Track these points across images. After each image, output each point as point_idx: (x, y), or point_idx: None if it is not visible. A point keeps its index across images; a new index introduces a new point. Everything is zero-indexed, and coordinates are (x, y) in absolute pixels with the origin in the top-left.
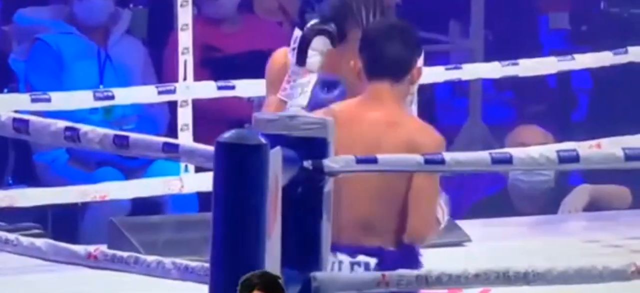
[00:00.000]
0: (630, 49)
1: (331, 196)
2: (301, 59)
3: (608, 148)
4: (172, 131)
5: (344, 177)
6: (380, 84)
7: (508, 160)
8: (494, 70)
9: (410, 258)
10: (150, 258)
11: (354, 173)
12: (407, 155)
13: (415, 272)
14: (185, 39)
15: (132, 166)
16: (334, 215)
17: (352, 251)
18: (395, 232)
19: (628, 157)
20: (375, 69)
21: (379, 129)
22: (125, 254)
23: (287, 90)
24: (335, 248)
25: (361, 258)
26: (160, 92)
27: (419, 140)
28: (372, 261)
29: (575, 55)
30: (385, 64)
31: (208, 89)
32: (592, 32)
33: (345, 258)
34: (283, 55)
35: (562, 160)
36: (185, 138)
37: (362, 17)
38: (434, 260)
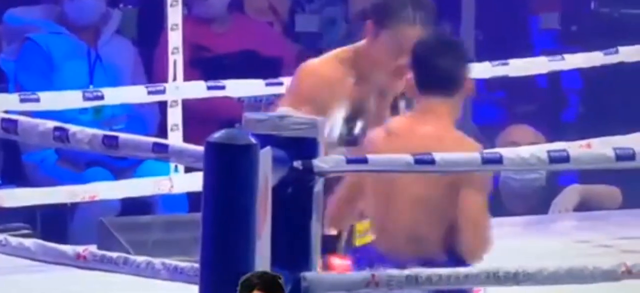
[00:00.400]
0: (621, 49)
1: (321, 196)
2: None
3: (598, 149)
4: (162, 131)
5: (387, 189)
6: (433, 98)
7: (498, 160)
8: (484, 70)
9: (459, 266)
10: (140, 258)
11: (387, 183)
12: (397, 155)
13: (405, 272)
14: (175, 38)
15: (121, 166)
16: (381, 227)
17: (402, 263)
18: (442, 240)
19: (618, 157)
20: (427, 84)
21: (429, 143)
22: (114, 255)
23: None
24: (382, 261)
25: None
26: (150, 92)
27: (462, 151)
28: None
29: (566, 55)
30: (438, 79)
31: (198, 89)
32: (583, 32)
33: (394, 271)
34: (322, 70)
35: (553, 160)
36: (175, 138)
37: (409, 14)
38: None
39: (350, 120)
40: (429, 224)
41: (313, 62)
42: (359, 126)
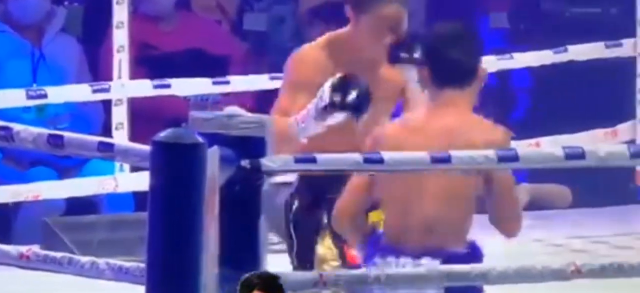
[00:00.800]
0: (570, 47)
1: (269, 196)
2: (325, 115)
3: (548, 147)
4: (107, 130)
5: (404, 179)
6: (450, 91)
7: (447, 160)
8: None
9: (475, 257)
10: (84, 258)
11: (404, 173)
12: (347, 155)
13: (354, 272)
14: (120, 37)
15: (66, 165)
16: (397, 218)
17: (416, 254)
18: (460, 232)
19: (568, 156)
20: (443, 77)
21: (451, 135)
22: (58, 255)
23: (306, 123)
24: (397, 252)
25: (425, 260)
26: (94, 91)
27: (491, 137)
28: (437, 263)
29: (515, 54)
30: (453, 71)
31: (143, 88)
32: (532, 31)
33: (408, 261)
34: (313, 54)
35: (502, 159)
36: (120, 137)
37: None
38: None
39: (341, 87)
40: (446, 214)
41: (303, 49)
42: (353, 94)
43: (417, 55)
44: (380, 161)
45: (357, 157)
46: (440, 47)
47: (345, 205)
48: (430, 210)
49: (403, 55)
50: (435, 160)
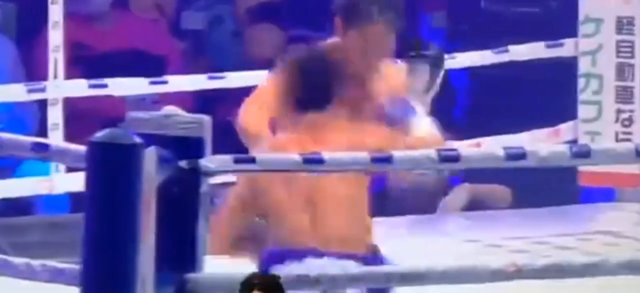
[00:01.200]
0: (511, 47)
1: (208, 197)
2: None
3: (488, 148)
4: (42, 130)
5: (313, 194)
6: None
7: (388, 160)
8: None
9: (376, 261)
10: (19, 260)
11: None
12: (287, 155)
13: (295, 273)
14: (56, 36)
15: (0, 166)
16: (314, 229)
17: (335, 257)
18: (363, 238)
19: (508, 157)
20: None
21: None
22: None
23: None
24: (320, 254)
25: (343, 262)
26: (29, 91)
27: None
28: (351, 263)
29: (456, 54)
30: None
31: (79, 88)
32: (473, 30)
33: (332, 261)
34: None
35: (443, 159)
36: (55, 137)
37: (372, 15)
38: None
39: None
40: (354, 225)
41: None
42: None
43: (429, 52)
44: (321, 161)
45: (296, 157)
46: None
47: (223, 238)
48: (341, 224)
49: (413, 53)
50: (376, 161)
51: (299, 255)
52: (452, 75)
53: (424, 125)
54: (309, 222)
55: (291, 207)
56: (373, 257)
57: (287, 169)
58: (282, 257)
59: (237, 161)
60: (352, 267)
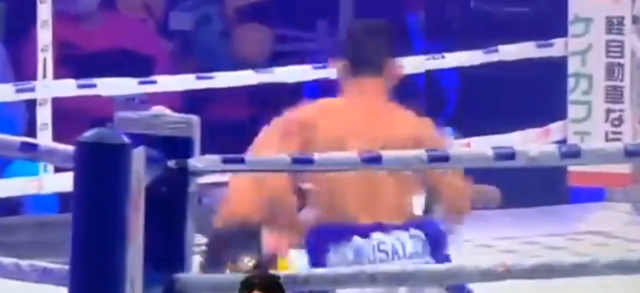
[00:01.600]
0: (501, 47)
1: (196, 197)
2: None
3: (478, 148)
4: (31, 130)
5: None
6: (366, 79)
7: (377, 160)
8: None
9: (432, 226)
10: (7, 260)
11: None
12: (277, 156)
13: (282, 273)
14: (44, 36)
15: None
16: (367, 201)
17: (389, 230)
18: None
19: (498, 157)
20: (358, 66)
21: (371, 115)
22: None
23: None
24: (368, 230)
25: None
26: (18, 90)
27: (411, 119)
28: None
29: (446, 54)
30: (367, 61)
31: (68, 87)
32: (463, 30)
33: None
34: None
35: (432, 159)
36: (44, 137)
37: None
38: (300, 262)
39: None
40: (404, 192)
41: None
42: None
43: None
44: (310, 161)
45: (286, 158)
46: (357, 39)
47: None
48: (387, 187)
49: None
50: (366, 160)
51: (347, 233)
52: (442, 75)
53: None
54: (361, 192)
55: (343, 177)
56: (429, 222)
57: (277, 169)
58: (327, 236)
59: (225, 161)
60: (406, 238)
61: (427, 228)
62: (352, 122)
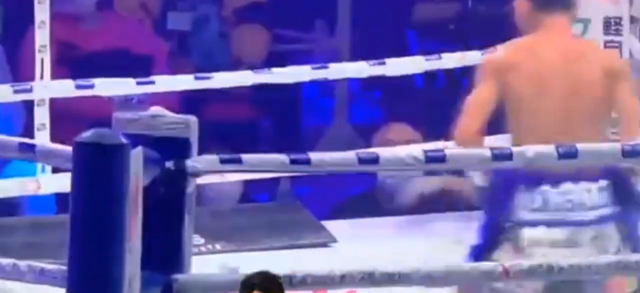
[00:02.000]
0: (500, 48)
1: (194, 196)
2: None
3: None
4: (29, 131)
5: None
6: (554, 15)
7: (375, 160)
8: (361, 69)
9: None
10: (5, 261)
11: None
12: (273, 155)
13: (280, 274)
14: (42, 36)
15: None
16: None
17: (583, 181)
18: None
19: (495, 157)
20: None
21: (566, 54)
22: None
23: None
24: (557, 180)
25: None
26: (16, 91)
27: (608, 57)
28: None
29: (444, 55)
30: None
31: (66, 88)
32: (461, 31)
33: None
34: None
35: (430, 159)
36: (42, 138)
37: None
38: (299, 261)
39: None
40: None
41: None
42: None
43: None
44: (307, 162)
45: (283, 157)
46: None
47: (469, 124)
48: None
49: None
50: (363, 161)
51: (537, 179)
52: (439, 75)
53: None
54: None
55: (541, 124)
56: (615, 170)
57: (273, 169)
58: (517, 179)
59: (223, 161)
60: (595, 190)
61: (614, 177)
62: (550, 60)
